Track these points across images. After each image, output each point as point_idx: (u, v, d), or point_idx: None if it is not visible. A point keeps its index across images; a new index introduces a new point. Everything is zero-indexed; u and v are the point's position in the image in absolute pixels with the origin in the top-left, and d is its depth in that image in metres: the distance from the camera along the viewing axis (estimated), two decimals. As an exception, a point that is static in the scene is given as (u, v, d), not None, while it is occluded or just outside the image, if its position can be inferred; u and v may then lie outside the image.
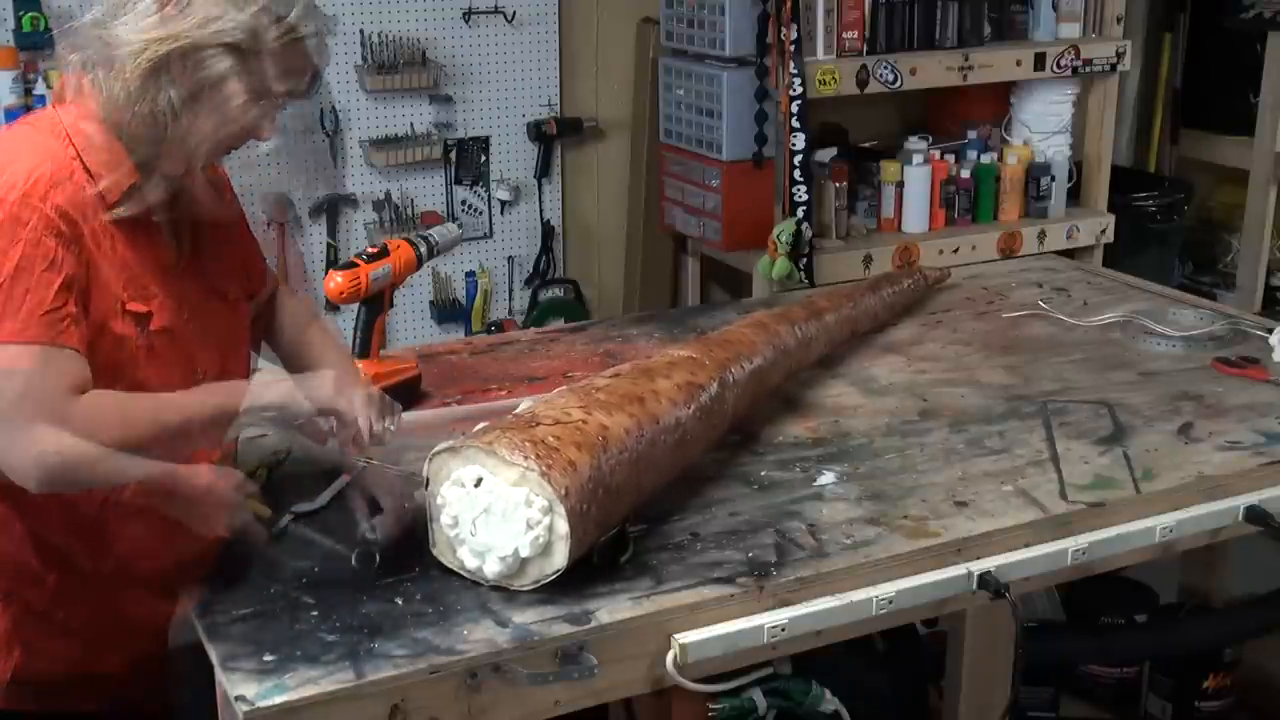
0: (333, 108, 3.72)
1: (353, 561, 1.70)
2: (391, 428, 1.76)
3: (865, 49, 3.51)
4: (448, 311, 4.02)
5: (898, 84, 3.52)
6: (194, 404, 1.62)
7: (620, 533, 1.74)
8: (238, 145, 1.68)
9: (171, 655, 1.69)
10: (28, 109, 3.27)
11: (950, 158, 3.77)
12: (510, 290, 4.11)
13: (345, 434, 1.72)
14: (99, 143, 1.60)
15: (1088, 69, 3.81)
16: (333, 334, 1.97)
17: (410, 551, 1.73)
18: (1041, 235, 3.80)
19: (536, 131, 3.98)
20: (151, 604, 1.70)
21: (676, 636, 1.61)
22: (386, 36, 3.72)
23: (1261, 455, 2.08)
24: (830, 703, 1.96)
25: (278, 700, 1.43)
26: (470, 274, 4.03)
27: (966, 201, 3.78)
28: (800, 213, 3.35)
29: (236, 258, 1.85)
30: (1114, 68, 3.87)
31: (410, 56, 3.76)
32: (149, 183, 1.62)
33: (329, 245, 3.80)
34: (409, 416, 1.97)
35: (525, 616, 1.59)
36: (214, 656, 1.53)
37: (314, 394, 1.69)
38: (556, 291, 4.12)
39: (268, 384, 1.68)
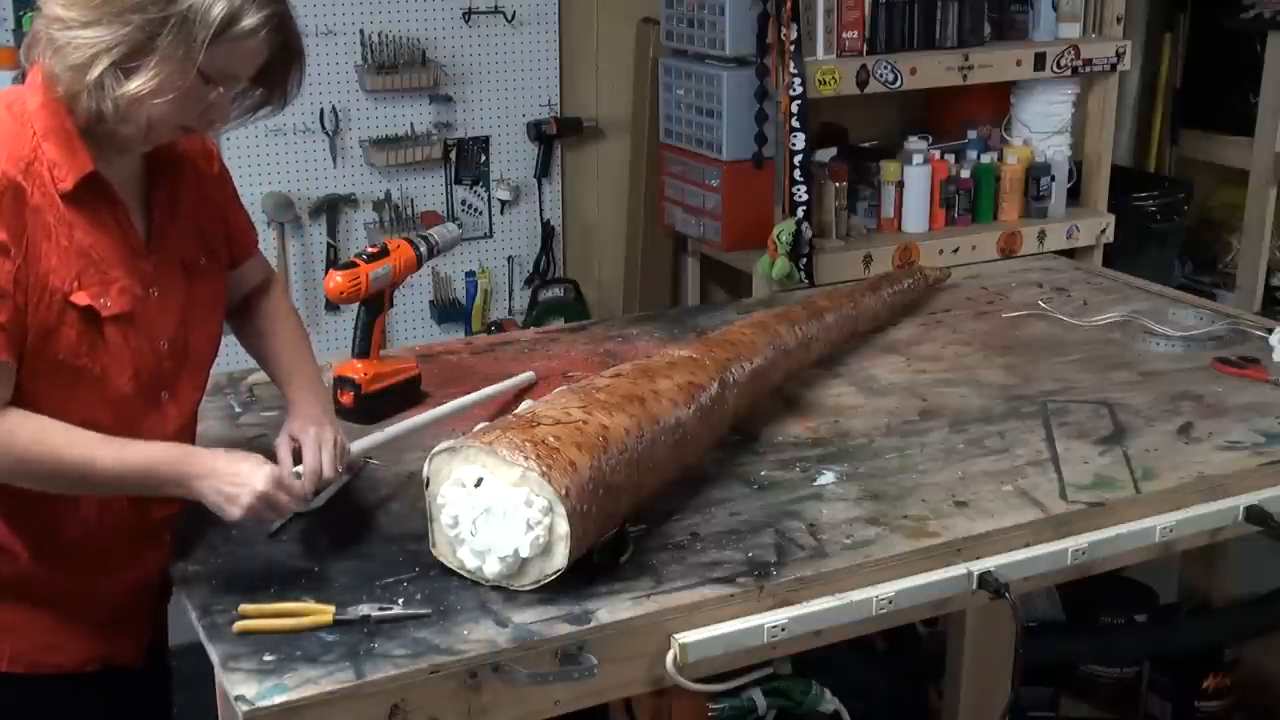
0: (333, 108, 3.72)
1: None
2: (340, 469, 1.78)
3: (865, 49, 3.51)
4: (448, 311, 4.02)
5: (898, 84, 3.52)
6: (110, 458, 1.55)
7: (620, 533, 1.74)
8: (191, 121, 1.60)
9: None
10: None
11: (950, 158, 3.77)
12: (510, 290, 4.11)
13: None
14: (56, 124, 1.55)
15: (1088, 69, 3.80)
16: (310, 362, 1.93)
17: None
18: (1041, 235, 3.80)
19: (536, 131, 3.99)
20: (122, 568, 1.73)
21: (676, 636, 1.61)
22: (386, 36, 3.72)
23: (1261, 455, 2.08)
24: (830, 703, 1.97)
25: (278, 700, 1.43)
26: (470, 274, 4.03)
27: (966, 201, 3.78)
28: (800, 213, 3.35)
29: (215, 227, 1.81)
30: (1114, 68, 3.87)
31: (410, 56, 3.76)
32: (107, 162, 1.59)
33: (329, 245, 3.80)
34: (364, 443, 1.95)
35: (525, 616, 1.59)
36: (214, 656, 1.53)
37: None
38: (556, 291, 4.12)
39: (208, 475, 1.59)
